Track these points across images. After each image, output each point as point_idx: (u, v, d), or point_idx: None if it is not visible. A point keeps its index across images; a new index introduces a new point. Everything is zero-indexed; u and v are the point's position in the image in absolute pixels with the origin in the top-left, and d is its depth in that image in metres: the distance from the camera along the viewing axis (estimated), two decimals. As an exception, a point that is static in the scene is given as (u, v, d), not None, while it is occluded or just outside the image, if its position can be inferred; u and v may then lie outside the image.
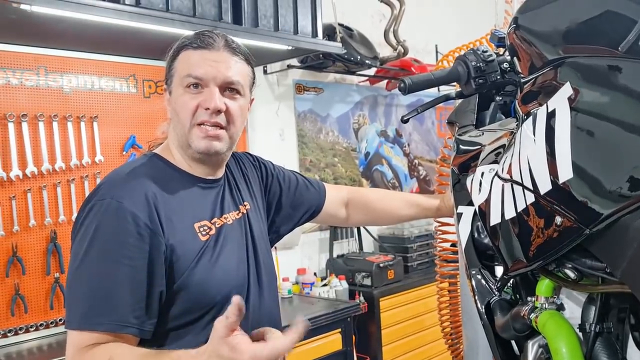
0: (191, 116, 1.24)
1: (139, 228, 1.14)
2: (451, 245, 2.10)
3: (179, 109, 1.26)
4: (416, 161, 4.52)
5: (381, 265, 3.42)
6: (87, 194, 2.61)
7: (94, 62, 2.73)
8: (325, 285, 3.36)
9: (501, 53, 1.38)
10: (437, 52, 4.47)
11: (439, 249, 2.15)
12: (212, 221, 1.29)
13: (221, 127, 1.26)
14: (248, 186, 1.47)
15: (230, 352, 0.92)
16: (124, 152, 2.81)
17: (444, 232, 2.10)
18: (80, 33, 2.32)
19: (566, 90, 0.83)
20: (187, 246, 1.21)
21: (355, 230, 3.83)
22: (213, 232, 1.27)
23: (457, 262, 2.05)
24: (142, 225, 1.15)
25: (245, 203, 1.41)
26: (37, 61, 2.56)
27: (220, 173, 1.37)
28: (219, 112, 1.24)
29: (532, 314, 0.93)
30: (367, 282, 3.40)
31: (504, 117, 1.42)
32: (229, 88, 1.27)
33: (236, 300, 0.92)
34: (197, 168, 1.31)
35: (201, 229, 1.25)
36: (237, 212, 1.37)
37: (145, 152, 1.37)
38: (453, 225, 1.99)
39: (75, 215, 2.61)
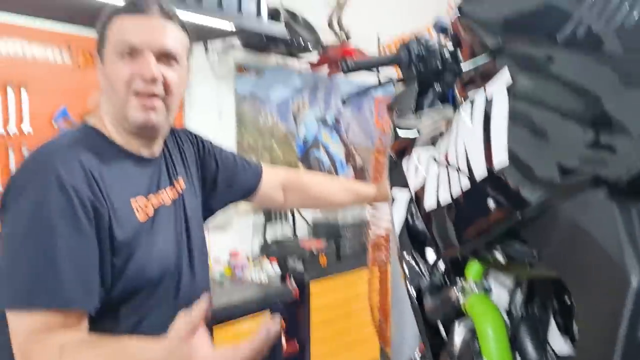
0: (126, 85, 1.18)
1: (82, 202, 1.09)
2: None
3: (113, 78, 1.19)
4: (353, 149, 4.56)
5: (314, 250, 3.43)
6: (12, 165, 2.52)
7: (25, 28, 2.59)
8: (257, 268, 3.34)
9: (443, 42, 1.39)
10: (379, 43, 4.49)
11: (371, 235, 2.17)
12: (148, 197, 1.25)
13: (157, 98, 1.20)
14: (183, 161, 1.43)
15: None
16: (54, 124, 2.69)
17: (378, 219, 2.13)
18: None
19: (504, 77, 0.84)
20: (125, 226, 1.16)
21: (290, 214, 3.82)
22: (151, 213, 1.23)
23: (388, 249, 2.08)
24: (84, 198, 1.09)
25: (179, 178, 1.38)
26: (-39, 21, 2.41)
27: (157, 150, 1.32)
28: (155, 80, 1.19)
29: (461, 297, 0.95)
30: (300, 267, 3.41)
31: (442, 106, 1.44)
32: (165, 56, 1.21)
33: (205, 299, 0.96)
34: (133, 142, 1.25)
35: (138, 207, 1.21)
36: (172, 187, 1.34)
37: (78, 124, 1.30)
38: (387, 211, 2.01)
39: (-3, 187, 2.49)
